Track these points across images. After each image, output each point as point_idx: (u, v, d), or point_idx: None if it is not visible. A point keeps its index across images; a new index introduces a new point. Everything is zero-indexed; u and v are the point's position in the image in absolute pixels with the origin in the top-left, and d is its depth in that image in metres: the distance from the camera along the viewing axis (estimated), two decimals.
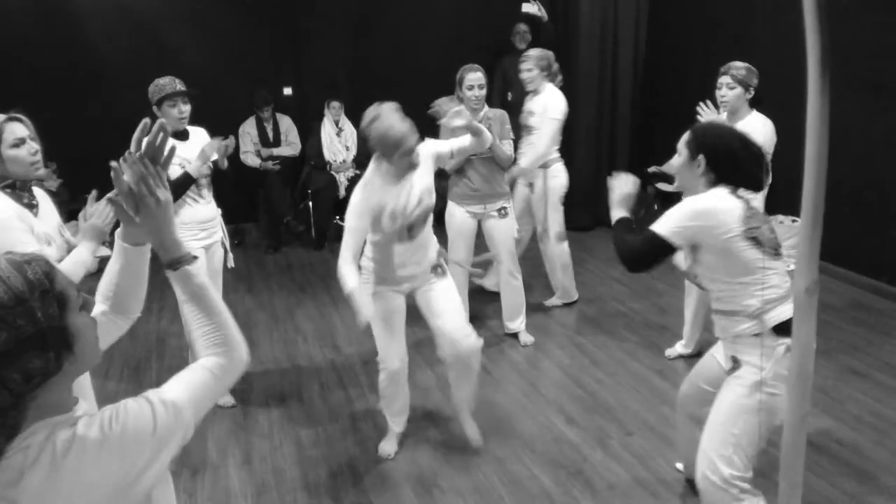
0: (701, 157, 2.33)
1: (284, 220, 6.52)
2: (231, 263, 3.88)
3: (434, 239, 3.19)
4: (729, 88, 3.65)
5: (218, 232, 3.76)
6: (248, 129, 6.44)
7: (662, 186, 6.57)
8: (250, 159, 6.35)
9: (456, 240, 4.30)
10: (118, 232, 1.49)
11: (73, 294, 1.17)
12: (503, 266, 4.40)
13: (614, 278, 5.55)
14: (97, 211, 2.52)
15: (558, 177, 4.70)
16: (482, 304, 4.94)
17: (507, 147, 4.16)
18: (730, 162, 2.31)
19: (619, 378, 4.00)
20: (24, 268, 1.12)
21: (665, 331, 4.51)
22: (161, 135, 1.38)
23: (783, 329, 2.24)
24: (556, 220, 4.77)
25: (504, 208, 4.28)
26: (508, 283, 4.45)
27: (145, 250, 1.52)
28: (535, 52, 4.68)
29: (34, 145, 2.41)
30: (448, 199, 4.35)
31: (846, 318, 4.62)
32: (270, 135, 6.49)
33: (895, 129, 4.75)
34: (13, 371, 1.08)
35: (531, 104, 4.68)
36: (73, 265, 2.40)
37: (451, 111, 3.58)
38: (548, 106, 4.56)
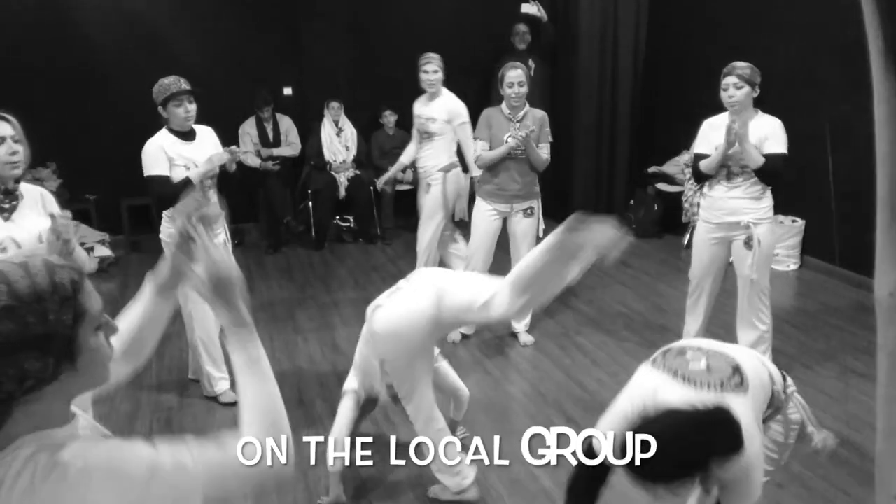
0: (690, 480, 1.88)
1: (284, 220, 6.51)
2: None
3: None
4: (737, 88, 3.55)
5: (221, 234, 3.75)
6: (248, 129, 6.44)
7: (662, 186, 6.59)
8: (250, 159, 6.34)
9: (477, 235, 4.33)
10: (151, 275, 1.46)
11: (95, 311, 1.15)
12: None
13: (614, 278, 5.55)
14: (51, 227, 2.44)
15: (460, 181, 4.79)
16: None
17: (544, 151, 4.16)
18: (706, 459, 1.81)
19: (619, 378, 3.99)
20: (55, 270, 1.11)
21: (665, 331, 4.51)
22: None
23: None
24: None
25: (531, 208, 4.27)
26: None
27: (172, 300, 1.50)
28: (436, 55, 4.61)
29: (15, 146, 2.40)
30: (476, 194, 4.36)
31: (848, 319, 4.62)
32: (270, 135, 6.49)
33: None
34: (8, 366, 1.06)
35: (430, 109, 4.63)
36: None
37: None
38: (455, 111, 4.58)
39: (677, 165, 6.43)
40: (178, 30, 6.36)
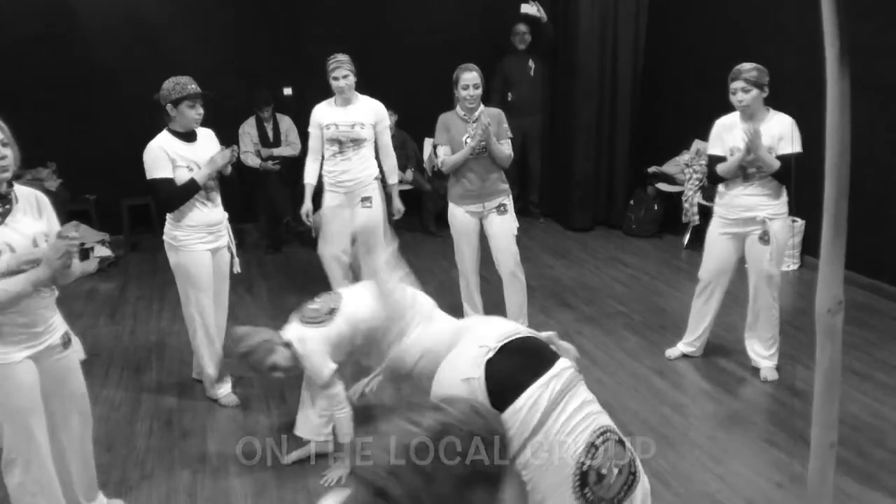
0: None
1: (284, 220, 6.51)
2: (237, 269, 3.86)
3: None
4: (745, 92, 3.55)
5: (225, 236, 3.75)
6: (248, 129, 6.43)
7: (662, 186, 6.59)
8: (250, 159, 6.35)
9: (459, 240, 4.32)
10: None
11: (505, 472, 1.30)
12: (505, 265, 4.37)
13: (614, 278, 5.55)
14: (53, 244, 2.37)
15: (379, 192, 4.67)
16: (483, 303, 4.93)
17: (505, 146, 4.16)
18: None
19: (619, 378, 4.00)
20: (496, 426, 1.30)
21: (665, 331, 4.51)
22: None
23: None
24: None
25: (503, 205, 4.26)
26: (512, 282, 4.40)
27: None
28: (346, 57, 4.39)
29: (2, 151, 2.38)
30: (448, 201, 4.35)
31: (846, 318, 4.56)
32: (270, 135, 6.49)
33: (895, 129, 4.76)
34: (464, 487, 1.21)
35: (352, 114, 4.46)
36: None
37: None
38: (382, 112, 4.54)
39: (677, 165, 6.43)
40: (179, 30, 6.37)
